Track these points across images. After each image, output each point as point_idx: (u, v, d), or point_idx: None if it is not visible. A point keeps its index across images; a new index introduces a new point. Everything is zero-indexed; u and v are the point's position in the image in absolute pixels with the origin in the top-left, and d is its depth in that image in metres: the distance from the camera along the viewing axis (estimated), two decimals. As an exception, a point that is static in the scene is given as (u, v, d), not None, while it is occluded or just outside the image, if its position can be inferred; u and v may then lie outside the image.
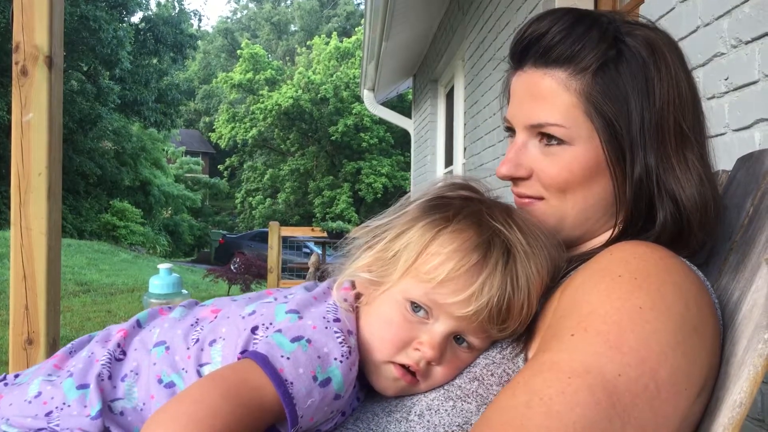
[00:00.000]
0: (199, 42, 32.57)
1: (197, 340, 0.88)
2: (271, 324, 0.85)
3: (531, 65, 0.96)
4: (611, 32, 0.92)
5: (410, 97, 10.95)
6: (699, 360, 0.78)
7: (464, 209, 0.88)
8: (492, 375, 0.87)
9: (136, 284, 10.47)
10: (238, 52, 30.50)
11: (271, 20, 45.83)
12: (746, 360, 0.78)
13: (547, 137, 0.95)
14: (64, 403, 0.85)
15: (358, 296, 0.91)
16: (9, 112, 11.98)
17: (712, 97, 1.80)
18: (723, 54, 1.76)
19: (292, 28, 46.25)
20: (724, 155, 1.68)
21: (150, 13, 23.95)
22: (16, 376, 0.95)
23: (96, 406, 0.84)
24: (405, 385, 0.87)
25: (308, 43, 33.36)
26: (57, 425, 0.84)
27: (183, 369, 0.87)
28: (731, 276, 0.91)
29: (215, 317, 0.92)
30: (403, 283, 0.87)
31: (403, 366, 0.86)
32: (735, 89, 1.71)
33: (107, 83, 20.69)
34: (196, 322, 0.92)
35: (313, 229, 9.51)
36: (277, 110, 27.35)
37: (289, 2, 48.82)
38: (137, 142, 24.04)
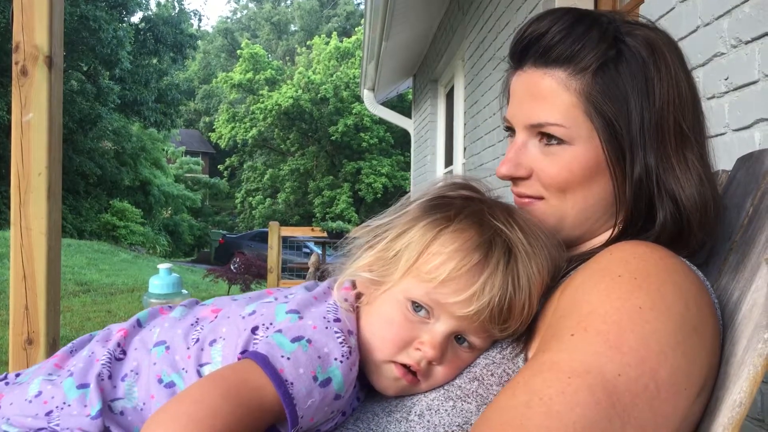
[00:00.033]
0: (199, 42, 32.57)
1: (197, 339, 0.88)
2: (271, 324, 0.85)
3: (531, 65, 0.96)
4: (611, 32, 0.92)
5: (410, 97, 10.95)
6: (699, 360, 0.78)
7: (465, 209, 0.88)
8: (492, 375, 0.87)
9: (136, 284, 10.47)
10: (238, 52, 30.50)
11: (271, 20, 45.83)
12: (746, 360, 0.78)
13: (547, 137, 0.95)
14: (64, 403, 0.85)
15: (358, 296, 0.91)
16: (9, 112, 11.98)
17: (712, 97, 1.80)
18: (723, 54, 1.76)
19: (292, 28, 46.25)
20: (724, 155, 1.68)
21: (150, 13, 23.95)
22: (17, 375, 0.95)
23: (96, 405, 0.84)
24: (406, 385, 0.87)
25: (308, 43, 33.35)
26: (57, 425, 0.84)
27: (183, 369, 0.87)
28: (731, 276, 0.91)
29: (215, 317, 0.92)
30: (404, 283, 0.87)
31: (404, 366, 0.86)
32: (735, 89, 1.71)
33: (107, 83, 20.69)
34: (197, 322, 0.92)
35: (313, 229, 9.51)
36: (277, 110, 27.36)
37: (289, 2, 48.83)
38: (137, 142, 24.04)
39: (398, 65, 8.59)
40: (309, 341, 0.81)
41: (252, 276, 9.08)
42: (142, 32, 22.68)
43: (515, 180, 0.99)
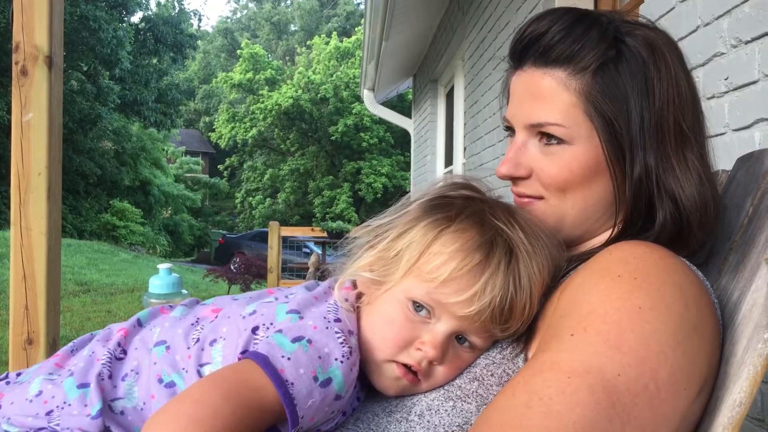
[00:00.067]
0: (199, 42, 32.58)
1: (198, 339, 0.88)
2: (271, 324, 0.85)
3: (531, 65, 0.96)
4: (611, 32, 0.92)
5: (410, 97, 10.95)
6: (699, 360, 0.78)
7: (466, 209, 0.88)
8: (492, 375, 0.87)
9: (136, 284, 10.47)
10: (238, 52, 30.50)
11: (271, 20, 45.83)
12: (746, 360, 0.78)
13: (546, 137, 0.95)
14: (64, 402, 0.85)
15: (359, 296, 0.91)
16: (9, 112, 11.98)
17: (712, 97, 1.80)
18: (723, 54, 1.76)
19: (292, 27, 46.25)
20: (724, 155, 1.68)
21: (150, 13, 23.95)
22: (18, 374, 0.95)
23: (96, 405, 0.84)
24: (406, 384, 0.87)
25: (308, 43, 33.36)
26: (57, 424, 0.84)
27: (183, 369, 0.87)
28: (731, 276, 0.91)
29: (216, 317, 0.92)
30: (405, 283, 0.87)
31: (404, 365, 0.86)
32: (735, 89, 1.71)
33: (107, 83, 20.69)
34: (197, 322, 0.92)
35: (313, 229, 9.51)
36: (277, 110, 27.36)
37: (289, 2, 48.82)
38: (137, 142, 24.04)
39: (398, 65, 8.59)
40: (309, 341, 0.81)
41: (252, 276, 9.08)
42: (142, 32, 22.68)
43: (515, 180, 0.99)
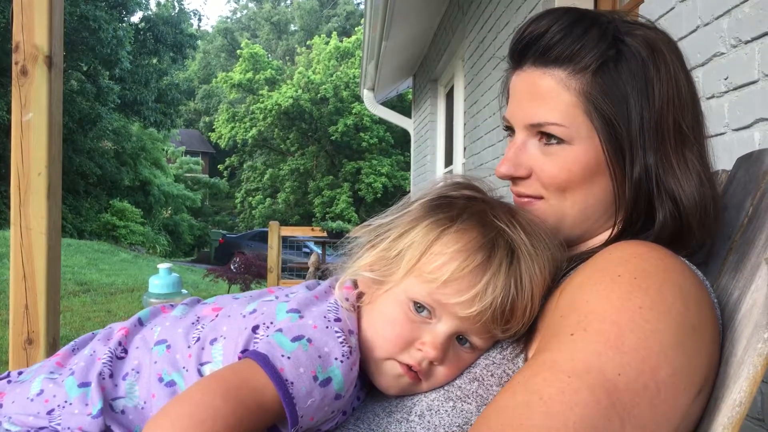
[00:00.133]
0: (198, 42, 32.54)
1: (198, 338, 0.88)
2: (271, 323, 0.85)
3: (530, 64, 0.96)
4: (611, 32, 0.92)
5: (410, 96, 10.94)
6: (699, 359, 0.78)
7: (468, 209, 0.88)
8: (492, 375, 0.87)
9: (136, 284, 10.47)
10: (238, 52, 30.51)
11: (271, 20, 45.82)
12: (746, 359, 0.78)
13: (546, 136, 0.95)
14: (65, 402, 0.86)
15: (360, 295, 0.91)
16: (9, 112, 11.98)
17: (712, 97, 1.80)
18: (723, 54, 1.76)
19: (292, 27, 46.24)
20: (724, 155, 1.68)
21: (150, 12, 23.95)
22: (20, 373, 0.96)
23: (97, 404, 0.84)
24: (408, 383, 0.87)
25: (308, 42, 33.38)
26: (58, 424, 0.84)
27: (184, 368, 0.87)
28: (731, 275, 0.91)
29: (216, 316, 0.92)
30: (406, 283, 0.86)
31: (405, 365, 0.86)
32: (735, 89, 1.71)
33: (107, 83, 20.69)
34: (197, 321, 0.92)
35: (313, 229, 9.51)
36: (277, 110, 27.36)
37: (289, 2, 48.81)
38: (137, 141, 24.05)
39: (398, 65, 8.59)
40: (309, 341, 0.81)
41: (252, 276, 9.09)
42: (142, 32, 22.68)
43: (515, 179, 0.99)
